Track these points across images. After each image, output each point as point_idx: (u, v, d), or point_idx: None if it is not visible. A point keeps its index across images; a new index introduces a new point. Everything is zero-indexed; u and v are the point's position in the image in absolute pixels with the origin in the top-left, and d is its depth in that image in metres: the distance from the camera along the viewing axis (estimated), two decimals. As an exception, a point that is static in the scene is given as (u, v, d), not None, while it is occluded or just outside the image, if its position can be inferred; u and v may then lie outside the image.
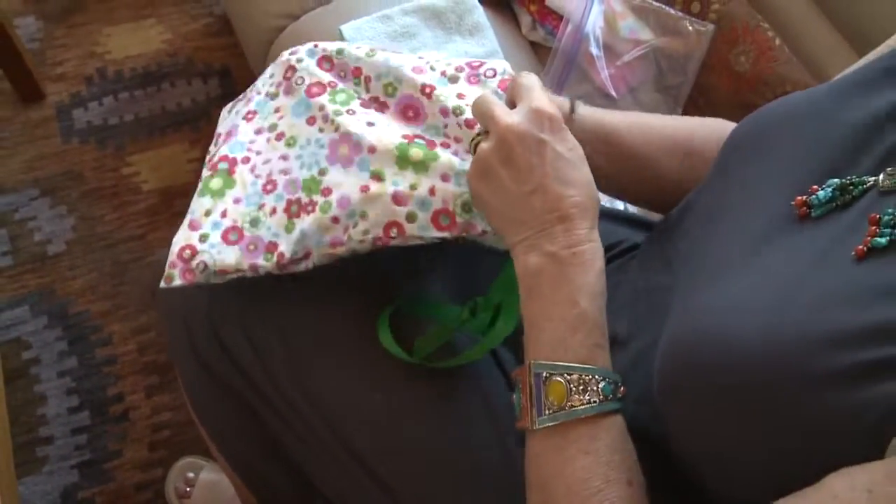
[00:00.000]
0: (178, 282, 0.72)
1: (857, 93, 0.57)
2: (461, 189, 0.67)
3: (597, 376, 0.55)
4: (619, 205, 1.06)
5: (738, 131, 0.66)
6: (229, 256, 0.71)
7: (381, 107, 0.74)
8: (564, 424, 0.54)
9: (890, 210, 0.48)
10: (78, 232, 1.57)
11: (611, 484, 0.52)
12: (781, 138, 0.60)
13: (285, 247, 0.70)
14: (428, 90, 0.73)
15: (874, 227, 0.48)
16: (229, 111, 0.85)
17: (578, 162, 0.61)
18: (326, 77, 0.77)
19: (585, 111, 0.72)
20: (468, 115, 0.70)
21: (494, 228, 0.64)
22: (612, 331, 0.61)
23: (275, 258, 0.70)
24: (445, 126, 0.71)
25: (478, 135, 0.66)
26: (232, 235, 0.72)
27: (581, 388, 0.55)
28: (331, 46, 0.79)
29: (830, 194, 0.52)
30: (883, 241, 0.46)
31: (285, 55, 0.81)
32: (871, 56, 0.70)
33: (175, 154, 1.68)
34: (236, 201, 0.73)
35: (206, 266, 0.72)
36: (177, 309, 0.83)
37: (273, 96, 0.79)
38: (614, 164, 0.71)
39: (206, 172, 0.76)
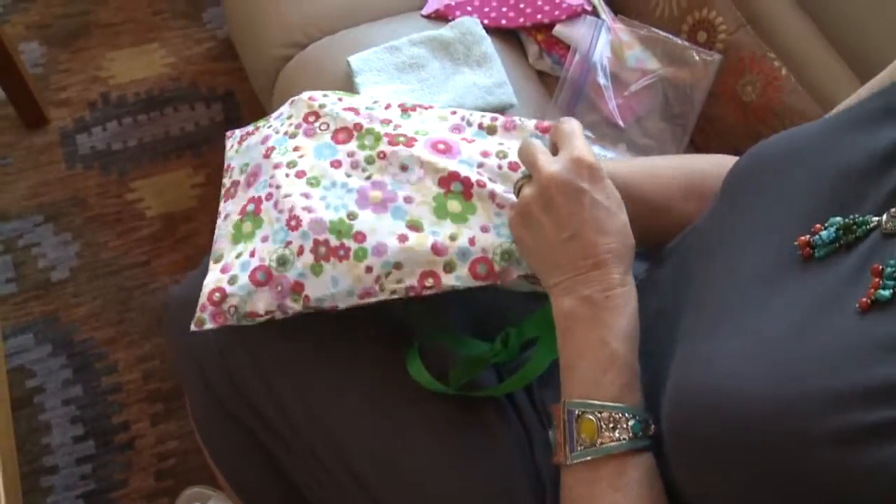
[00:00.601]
0: (209, 325, 0.72)
1: (859, 129, 0.57)
2: (501, 239, 0.68)
3: (626, 414, 0.57)
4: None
5: (739, 167, 0.66)
6: (259, 300, 0.71)
7: (410, 141, 0.74)
8: (595, 460, 0.56)
9: (892, 262, 0.47)
10: (82, 258, 1.57)
11: None
12: (782, 175, 0.60)
13: (311, 290, 0.70)
14: (468, 141, 0.75)
15: (877, 279, 0.47)
16: (238, 142, 0.84)
17: (616, 209, 0.63)
18: (352, 118, 0.77)
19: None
20: (512, 157, 0.72)
21: (532, 270, 0.66)
22: None
23: (301, 300, 0.70)
24: (481, 165, 0.72)
25: (522, 178, 0.68)
26: (260, 275, 0.71)
27: (611, 425, 0.56)
28: (359, 102, 0.79)
29: (834, 234, 0.52)
30: (886, 293, 0.46)
31: (304, 97, 0.81)
32: (872, 85, 0.70)
33: (178, 179, 1.68)
34: (264, 239, 0.73)
35: (236, 309, 0.71)
36: (188, 345, 0.83)
37: (292, 136, 0.79)
38: (630, 213, 0.72)
39: (235, 217, 0.76)
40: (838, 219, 0.52)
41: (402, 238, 0.69)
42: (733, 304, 0.55)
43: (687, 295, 0.62)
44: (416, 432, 0.73)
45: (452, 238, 0.69)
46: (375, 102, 0.80)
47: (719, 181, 0.73)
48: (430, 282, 0.68)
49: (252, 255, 0.72)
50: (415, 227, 0.69)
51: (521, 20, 1.21)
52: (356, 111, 0.78)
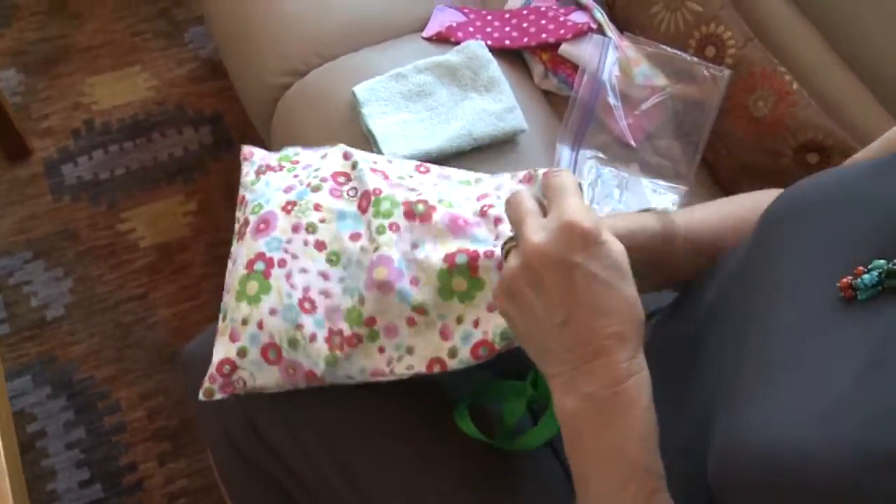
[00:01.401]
0: (217, 396, 0.72)
1: None
2: (502, 319, 0.63)
3: None
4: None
5: (775, 208, 0.62)
6: (269, 377, 0.71)
7: (429, 211, 0.71)
8: None
9: None
10: (76, 294, 1.53)
11: None
12: (821, 217, 0.57)
13: (325, 376, 0.70)
14: (487, 209, 0.72)
15: None
16: (256, 172, 0.81)
17: (617, 280, 0.54)
18: (374, 182, 0.74)
19: (678, 219, 0.70)
20: None
21: (526, 351, 0.58)
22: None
23: (315, 382, 0.71)
24: (496, 237, 0.69)
25: (509, 240, 0.60)
26: (271, 354, 0.70)
27: None
28: (392, 169, 0.77)
29: (877, 278, 0.49)
30: None
31: (339, 151, 0.79)
32: None
33: (170, 207, 1.64)
34: (272, 312, 0.70)
35: (244, 384, 0.71)
36: (211, 407, 0.81)
37: (315, 189, 0.76)
38: (700, 258, 0.69)
39: (241, 270, 0.73)
40: (881, 261, 0.50)
41: (411, 321, 0.68)
42: (776, 357, 0.52)
43: (724, 344, 0.60)
44: (452, 486, 0.73)
45: (459, 321, 0.67)
46: (411, 176, 0.77)
47: None
48: (437, 368, 0.68)
49: (260, 327, 0.70)
50: (421, 310, 0.68)
51: (526, 40, 1.19)
52: (385, 176, 0.75)
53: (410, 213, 0.71)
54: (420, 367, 0.68)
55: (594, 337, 0.53)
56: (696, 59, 1.14)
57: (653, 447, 0.53)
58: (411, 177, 0.77)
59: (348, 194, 0.75)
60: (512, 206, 0.58)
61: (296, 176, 0.78)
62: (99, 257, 1.57)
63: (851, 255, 0.52)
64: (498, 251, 0.67)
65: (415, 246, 0.69)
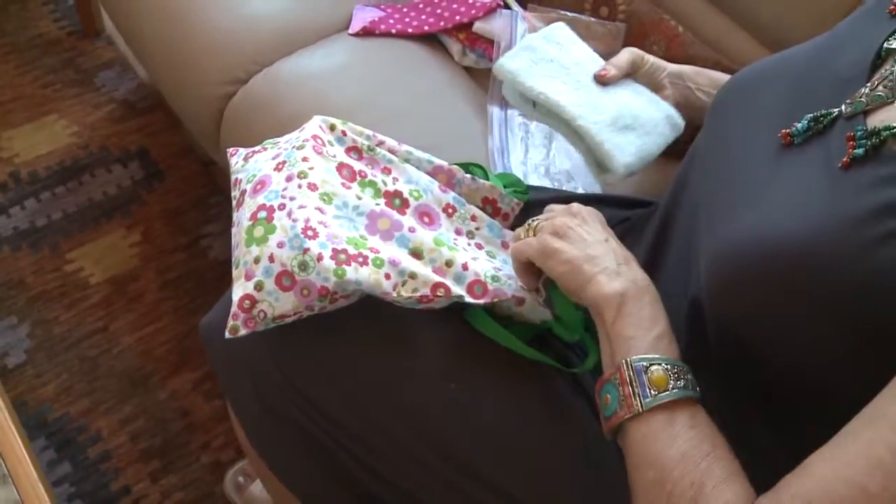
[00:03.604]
0: (242, 331, 0.75)
1: (820, 45, 0.76)
2: (491, 263, 0.81)
3: (686, 369, 0.66)
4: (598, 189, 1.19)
5: (724, 88, 0.83)
6: (286, 303, 0.75)
7: (404, 206, 0.84)
8: (670, 404, 0.63)
9: (859, 127, 0.63)
10: (35, 339, 1.53)
11: (717, 447, 0.62)
12: (763, 89, 0.76)
13: (338, 290, 0.74)
14: (450, 210, 0.86)
15: (851, 143, 0.62)
16: (244, 158, 0.87)
17: None
18: (357, 165, 0.84)
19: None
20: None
21: (564, 273, 0.73)
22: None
23: (329, 298, 0.75)
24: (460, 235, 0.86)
25: (533, 220, 0.81)
26: (285, 280, 0.75)
27: (676, 376, 0.65)
28: (361, 140, 0.87)
29: (807, 125, 0.67)
30: (860, 151, 0.61)
31: (315, 121, 0.86)
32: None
33: (114, 242, 1.67)
34: (280, 245, 0.75)
35: (265, 314, 0.75)
36: (243, 367, 0.83)
37: (299, 147, 0.83)
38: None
39: (245, 222, 0.79)
40: (809, 114, 0.68)
41: (411, 258, 0.78)
42: (744, 187, 0.69)
43: (699, 200, 0.77)
44: (512, 408, 0.78)
45: (448, 264, 0.78)
46: (378, 145, 0.88)
47: None
48: (441, 291, 0.75)
49: (271, 260, 0.75)
50: (416, 254, 0.78)
51: (442, 24, 1.32)
52: (359, 155, 0.86)
53: (390, 205, 0.83)
54: (424, 290, 0.75)
55: (623, 253, 0.75)
56: (593, 18, 1.29)
57: (671, 329, 0.69)
58: (379, 143, 0.88)
59: (328, 154, 0.83)
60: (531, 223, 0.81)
61: (278, 146, 0.86)
62: (51, 300, 1.58)
63: (786, 114, 0.70)
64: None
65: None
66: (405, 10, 1.35)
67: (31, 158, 1.77)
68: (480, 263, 0.79)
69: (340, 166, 0.83)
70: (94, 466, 1.41)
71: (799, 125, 0.68)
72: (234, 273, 0.78)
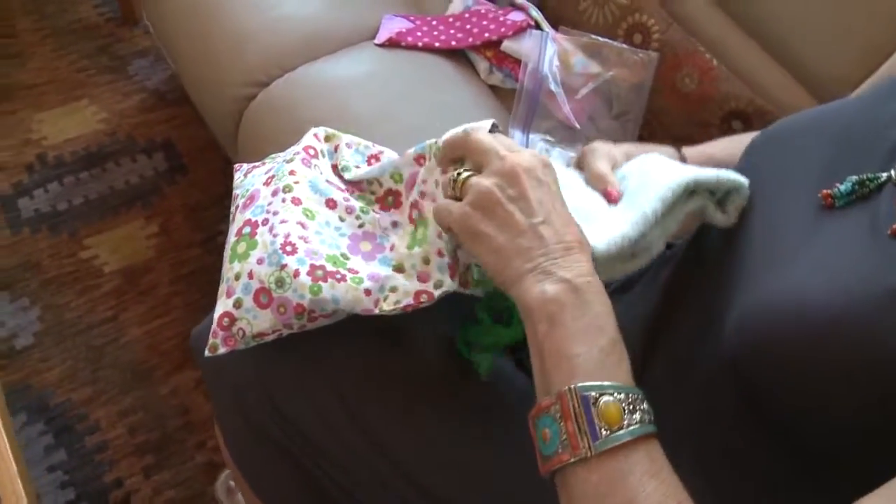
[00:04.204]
0: (221, 350, 0.74)
1: (869, 104, 0.69)
2: (447, 239, 0.72)
3: (640, 396, 0.56)
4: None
5: (759, 138, 0.76)
6: (264, 320, 0.73)
7: (397, 200, 0.80)
8: (626, 446, 0.53)
9: None
10: (45, 322, 1.54)
11: (684, 502, 0.53)
12: (801, 142, 0.71)
13: (311, 305, 0.72)
14: (422, 161, 0.79)
15: None
16: (245, 174, 0.87)
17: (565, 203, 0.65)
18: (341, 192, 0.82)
19: (691, 152, 0.84)
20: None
21: (490, 263, 0.63)
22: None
23: (305, 317, 0.73)
24: (437, 184, 0.75)
25: (464, 170, 0.66)
26: (262, 298, 0.73)
27: (631, 407, 0.54)
28: (348, 158, 0.85)
29: (850, 188, 0.62)
30: None
31: (310, 133, 0.85)
32: (883, 71, 0.83)
33: (132, 232, 1.67)
34: (259, 261, 0.74)
35: (244, 333, 0.74)
36: (226, 378, 0.83)
37: (289, 161, 0.82)
38: None
39: (231, 238, 0.78)
40: (854, 176, 0.63)
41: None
42: (779, 246, 0.63)
43: (724, 255, 0.71)
44: (472, 432, 0.76)
45: (426, 262, 0.73)
46: (376, 155, 0.85)
47: None
48: (424, 297, 0.72)
49: (251, 276, 0.74)
50: (399, 269, 0.74)
51: (470, 40, 1.30)
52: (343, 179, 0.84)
53: (385, 206, 0.80)
54: (407, 300, 0.71)
55: (566, 236, 0.61)
56: (625, 45, 1.26)
57: (619, 334, 0.59)
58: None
59: (315, 166, 0.81)
60: (470, 138, 0.66)
61: (275, 160, 0.85)
62: (64, 285, 1.59)
63: (826, 172, 0.65)
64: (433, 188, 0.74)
65: (394, 224, 0.78)
66: (434, 22, 1.33)
67: (59, 142, 1.78)
68: (445, 241, 0.73)
69: (329, 182, 0.81)
70: (90, 456, 1.41)
71: (842, 187, 0.63)
72: (219, 290, 0.77)
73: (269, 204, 0.78)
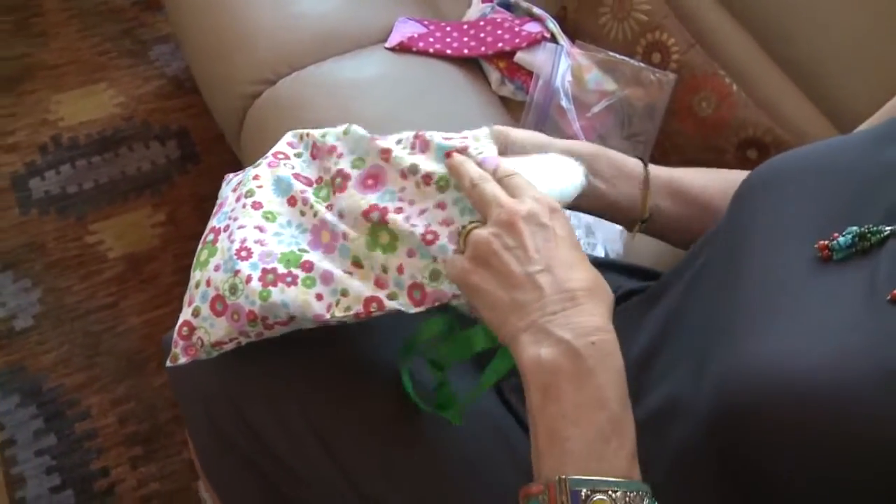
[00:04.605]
0: (182, 360, 0.73)
1: (870, 147, 0.64)
2: (425, 261, 0.67)
3: (642, 492, 0.50)
4: (600, 251, 1.12)
5: (753, 177, 0.70)
6: (220, 329, 0.72)
7: (345, 180, 0.74)
8: None
9: None
10: (45, 305, 1.54)
11: None
12: (796, 185, 0.65)
13: (263, 312, 0.70)
14: (385, 155, 0.74)
15: None
16: (227, 182, 0.86)
17: (577, 246, 0.60)
18: (315, 173, 0.78)
19: (656, 170, 0.80)
20: (423, 169, 0.70)
21: (488, 319, 0.60)
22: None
23: (260, 324, 0.71)
24: (402, 189, 0.72)
25: (470, 223, 0.65)
26: (218, 305, 0.71)
27: None
28: (317, 132, 0.81)
29: (850, 241, 0.57)
30: None
31: (288, 136, 0.82)
32: (884, 111, 0.77)
33: (139, 220, 1.67)
34: (216, 268, 0.73)
35: (203, 342, 0.72)
36: (193, 390, 0.82)
37: (256, 166, 0.80)
38: (681, 208, 0.79)
39: (199, 247, 0.77)
40: (854, 228, 0.58)
41: (348, 273, 0.70)
42: (769, 300, 0.58)
43: (711, 305, 0.66)
44: (424, 438, 0.75)
45: (384, 270, 0.70)
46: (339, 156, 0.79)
47: None
48: (374, 307, 0.68)
49: (208, 284, 0.73)
50: (357, 263, 0.71)
51: (483, 49, 1.26)
52: (317, 150, 0.80)
53: (336, 189, 0.75)
54: (357, 308, 0.68)
55: (569, 285, 0.56)
56: (643, 64, 1.22)
57: (629, 407, 0.54)
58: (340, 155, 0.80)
59: (284, 164, 0.78)
60: (480, 189, 0.63)
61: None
62: (67, 268, 1.59)
63: (824, 221, 0.60)
64: (407, 207, 0.70)
65: (341, 215, 0.73)
66: (448, 29, 1.30)
67: (75, 124, 1.78)
68: (416, 259, 0.69)
69: (296, 176, 0.78)
70: (79, 443, 1.41)
71: (841, 239, 0.58)
72: (184, 299, 0.76)
73: (232, 210, 0.77)
